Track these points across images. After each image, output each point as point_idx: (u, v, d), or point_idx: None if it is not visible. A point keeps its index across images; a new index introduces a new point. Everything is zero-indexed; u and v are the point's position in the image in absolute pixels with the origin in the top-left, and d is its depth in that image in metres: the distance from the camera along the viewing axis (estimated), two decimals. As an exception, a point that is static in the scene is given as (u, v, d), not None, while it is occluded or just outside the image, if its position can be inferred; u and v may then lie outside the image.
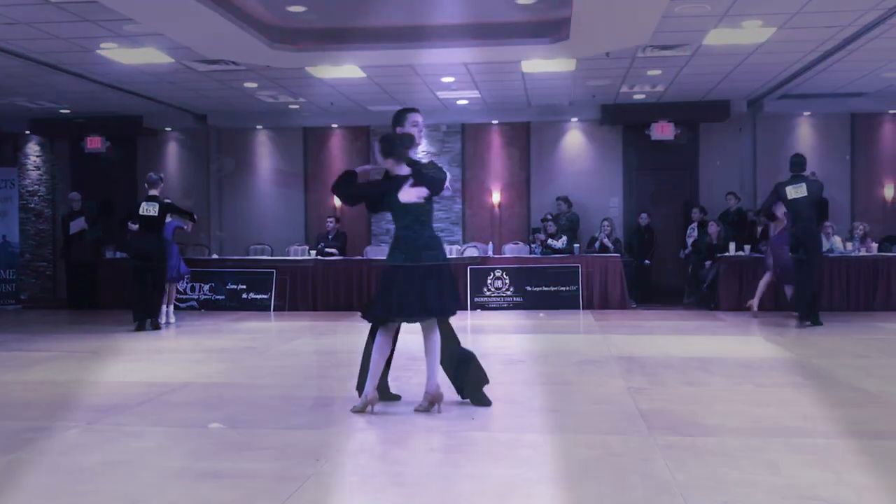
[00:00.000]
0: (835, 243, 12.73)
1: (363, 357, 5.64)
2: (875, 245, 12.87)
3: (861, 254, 12.68)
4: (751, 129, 15.24)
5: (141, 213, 10.50)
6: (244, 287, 13.28)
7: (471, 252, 13.72)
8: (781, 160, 15.09)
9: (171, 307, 11.44)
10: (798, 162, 10.18)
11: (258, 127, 16.24)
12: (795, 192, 9.98)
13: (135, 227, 10.72)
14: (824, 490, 3.71)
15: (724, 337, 9.48)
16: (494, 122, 15.67)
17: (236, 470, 4.17)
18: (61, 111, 15.11)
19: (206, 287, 13.27)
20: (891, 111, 14.94)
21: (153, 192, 10.63)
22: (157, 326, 10.58)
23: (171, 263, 11.10)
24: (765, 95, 14.10)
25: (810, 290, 10.07)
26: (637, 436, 4.77)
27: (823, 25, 9.75)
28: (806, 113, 15.08)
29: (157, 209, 10.52)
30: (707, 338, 9.43)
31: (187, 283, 13.16)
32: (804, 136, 15.30)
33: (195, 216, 11.35)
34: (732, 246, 12.69)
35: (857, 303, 12.33)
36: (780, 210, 10.73)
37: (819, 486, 3.78)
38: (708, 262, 13.04)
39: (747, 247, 12.66)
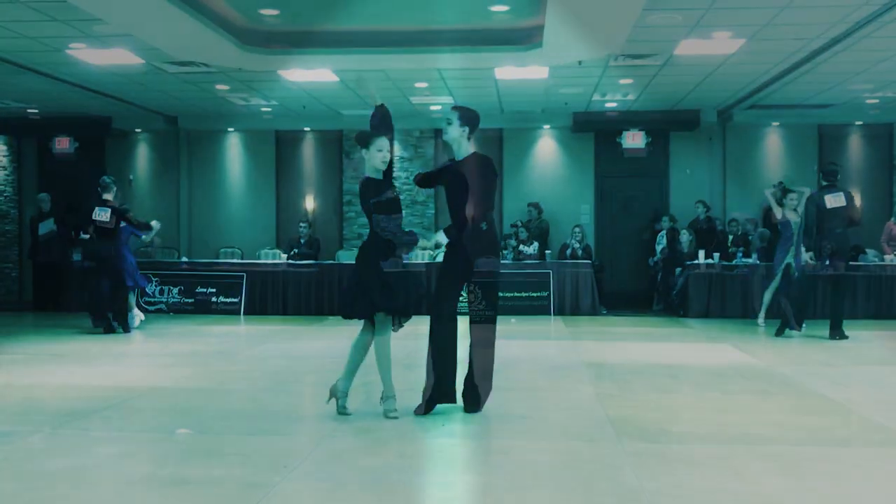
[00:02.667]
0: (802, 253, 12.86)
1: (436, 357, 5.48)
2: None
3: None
4: (720, 138, 15.41)
5: (93, 217, 10.33)
6: (214, 291, 13.17)
7: (442, 257, 13.71)
8: (750, 169, 15.36)
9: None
10: (832, 171, 9.99)
11: (229, 129, 16.14)
12: (835, 201, 9.72)
13: (86, 236, 10.56)
14: (789, 498, 3.76)
15: (692, 344, 9.57)
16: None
17: (203, 476, 4.13)
18: (29, 111, 14.91)
19: (175, 290, 13.14)
20: (857, 122, 15.18)
21: (106, 196, 10.46)
22: (109, 330, 10.30)
23: (126, 269, 10.61)
24: (734, 106, 14.27)
25: (839, 302, 9.89)
26: (605, 443, 4.79)
27: (791, 38, 9.89)
28: (774, 123, 15.27)
29: (108, 214, 10.31)
30: (676, 345, 9.50)
31: (157, 286, 13.03)
32: (772, 146, 15.50)
33: (151, 224, 11.07)
34: (702, 254, 12.81)
35: (823, 311, 12.46)
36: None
37: (784, 493, 3.82)
38: (677, 270, 13.15)
39: (716, 255, 12.78)
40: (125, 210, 10.75)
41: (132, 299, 10.92)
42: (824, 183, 9.90)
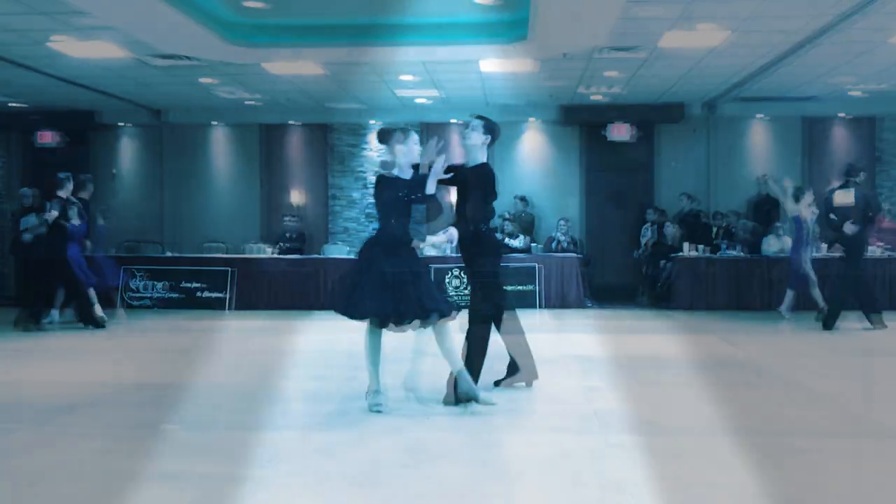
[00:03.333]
0: (786, 244, 12.95)
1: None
2: (825, 246, 13.11)
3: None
4: (705, 130, 15.45)
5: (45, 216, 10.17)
6: (200, 285, 13.12)
7: (430, 251, 13.71)
8: (735, 161, 15.41)
9: (58, 312, 10.78)
10: (848, 169, 10.00)
11: (215, 123, 16.06)
12: (844, 198, 9.79)
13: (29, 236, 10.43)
14: (772, 488, 3.78)
15: (678, 336, 9.59)
16: (454, 120, 15.68)
17: (188, 472, 4.12)
18: (11, 104, 14.79)
19: (160, 285, 13.08)
20: (840, 114, 15.25)
21: (61, 193, 10.33)
22: (34, 326, 10.11)
23: (81, 265, 10.39)
24: (719, 98, 14.30)
25: (852, 294, 9.89)
26: (591, 435, 4.82)
27: (775, 30, 9.92)
28: (759, 115, 15.32)
29: (59, 211, 10.14)
30: (661, 337, 9.54)
31: (141, 280, 12.96)
32: (758, 137, 15.55)
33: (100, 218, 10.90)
34: (687, 246, 12.86)
35: (806, 302, 12.54)
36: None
37: (767, 484, 3.84)
38: (663, 262, 13.20)
39: (701, 247, 12.83)
40: (71, 205, 10.44)
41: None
42: (842, 180, 9.91)
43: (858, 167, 10.10)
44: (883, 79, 12.84)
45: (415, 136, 5.62)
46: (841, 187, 9.79)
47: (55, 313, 10.59)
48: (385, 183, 5.53)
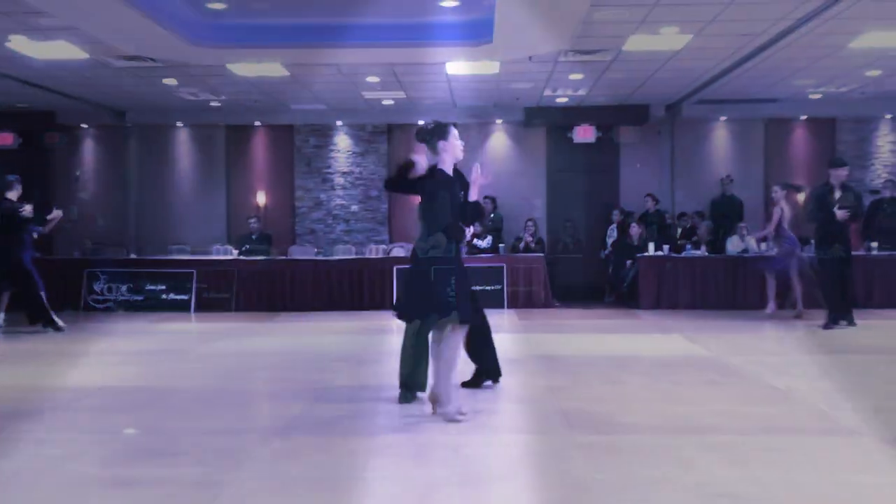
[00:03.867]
0: (749, 244, 13.11)
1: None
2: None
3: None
4: (669, 132, 15.59)
5: None
6: (163, 288, 12.96)
7: (397, 252, 13.69)
8: (698, 163, 15.58)
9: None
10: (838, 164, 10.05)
11: (179, 124, 15.90)
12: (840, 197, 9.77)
13: None
14: (734, 487, 3.81)
15: (643, 335, 9.67)
16: (420, 122, 15.63)
17: (151, 477, 4.06)
18: (-30, 106, 14.55)
19: (124, 288, 12.91)
20: (802, 117, 15.47)
21: (10, 194, 10.07)
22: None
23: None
24: (683, 100, 14.45)
25: (844, 291, 9.92)
26: (556, 435, 4.82)
27: (738, 34, 10.04)
28: (722, 118, 15.50)
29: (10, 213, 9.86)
30: (627, 336, 9.60)
31: (105, 283, 12.78)
32: (720, 139, 15.74)
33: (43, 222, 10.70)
34: (651, 246, 12.95)
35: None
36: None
37: (729, 482, 3.87)
38: (628, 262, 13.29)
39: (666, 247, 12.94)
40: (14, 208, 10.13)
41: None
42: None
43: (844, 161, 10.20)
44: (842, 82, 13.07)
45: (455, 131, 5.35)
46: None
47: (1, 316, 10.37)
48: (444, 181, 5.22)
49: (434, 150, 5.29)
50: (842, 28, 9.80)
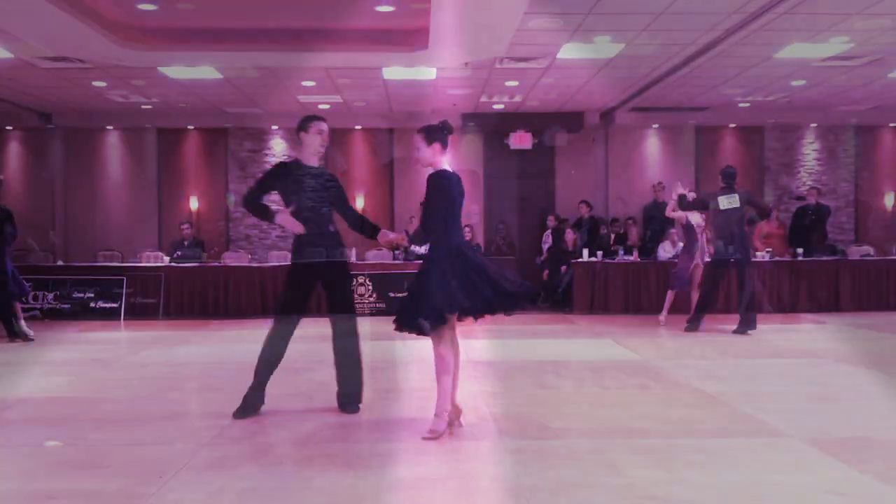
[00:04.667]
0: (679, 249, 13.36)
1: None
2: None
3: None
4: (603, 139, 15.84)
5: None
6: (91, 295, 12.66)
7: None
8: (632, 169, 15.86)
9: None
10: (731, 174, 10.25)
11: (108, 127, 15.57)
12: (728, 202, 10.03)
13: None
14: (660, 489, 3.89)
15: (576, 340, 9.79)
16: (357, 127, 15.65)
17: (73, 490, 3.97)
18: None
19: (51, 296, 12.57)
20: (731, 125, 15.88)
21: None
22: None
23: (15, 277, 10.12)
24: (616, 108, 14.70)
25: (747, 296, 10.15)
26: (487, 441, 4.86)
27: (668, 43, 10.26)
28: (654, 125, 15.82)
29: None
30: (561, 341, 9.70)
31: (30, 290, 12.41)
32: (653, 146, 16.05)
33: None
34: (586, 252, 13.13)
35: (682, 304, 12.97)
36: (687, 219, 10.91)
37: (656, 485, 3.96)
38: (563, 268, 13.45)
39: (600, 253, 13.13)
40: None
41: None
42: (722, 185, 10.23)
43: (733, 171, 10.46)
44: (769, 91, 13.45)
45: (319, 126, 5.59)
46: (724, 192, 10.11)
47: None
48: (455, 181, 5.15)
49: (439, 150, 5.18)
50: (767, 40, 10.10)
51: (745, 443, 4.80)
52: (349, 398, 5.66)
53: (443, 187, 5.02)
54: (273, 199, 5.76)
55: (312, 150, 5.67)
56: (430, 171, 5.14)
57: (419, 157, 5.18)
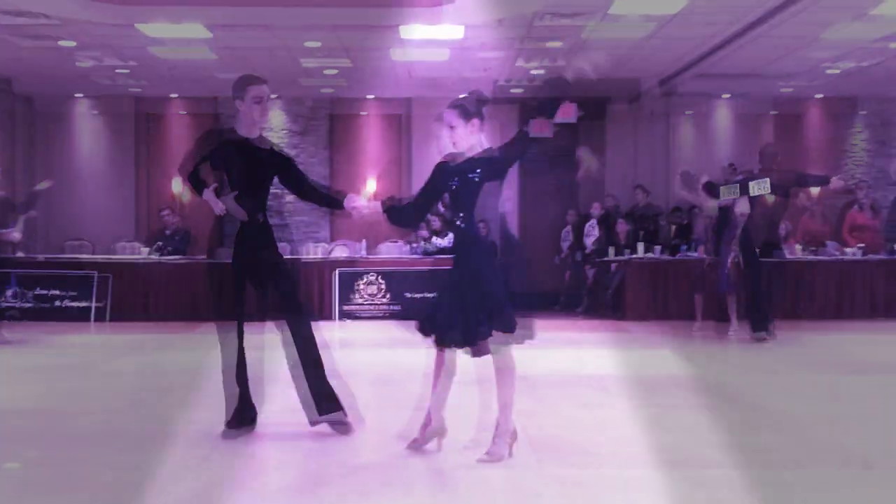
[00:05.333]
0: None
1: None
2: (798, 247, 13.49)
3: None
4: (663, 112, 15.73)
5: None
6: (59, 292, 12.79)
7: (339, 252, 13.67)
8: (697, 147, 15.75)
9: None
10: (770, 153, 10.38)
11: (78, 95, 15.70)
12: (759, 188, 9.98)
13: None
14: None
15: (627, 351, 9.74)
16: (369, 96, 15.69)
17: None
18: None
19: (9, 293, 12.70)
20: (817, 95, 15.71)
21: None
22: None
23: None
24: (679, 74, 14.59)
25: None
26: (523, 468, 4.84)
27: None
28: (725, 95, 15.69)
29: None
30: (608, 352, 9.64)
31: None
32: (722, 120, 15.94)
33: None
34: (641, 247, 13.06)
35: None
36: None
37: (724, 523, 3.93)
38: (613, 266, 13.42)
39: (658, 248, 13.07)
40: None
41: None
42: (760, 167, 10.19)
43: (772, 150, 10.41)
44: (864, 55, 13.26)
45: (256, 90, 5.58)
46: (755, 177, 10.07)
47: None
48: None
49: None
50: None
51: (835, 476, 4.74)
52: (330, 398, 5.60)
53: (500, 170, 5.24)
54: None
55: (249, 121, 5.58)
56: (471, 152, 5.14)
57: (455, 138, 5.16)
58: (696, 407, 6.58)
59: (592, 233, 14.42)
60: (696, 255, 12.99)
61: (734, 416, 6.26)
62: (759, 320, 10.11)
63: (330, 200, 5.85)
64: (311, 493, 4.46)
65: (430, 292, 12.98)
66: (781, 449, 5.33)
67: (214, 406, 6.12)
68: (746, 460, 5.05)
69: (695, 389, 7.26)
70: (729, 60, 13.37)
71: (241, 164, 5.57)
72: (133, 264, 13.11)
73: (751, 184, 9.81)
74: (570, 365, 8.70)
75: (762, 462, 5.02)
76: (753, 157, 15.37)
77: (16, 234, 10.42)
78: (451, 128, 5.16)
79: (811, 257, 13.26)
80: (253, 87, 5.59)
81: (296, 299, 5.83)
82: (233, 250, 5.72)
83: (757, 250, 10.57)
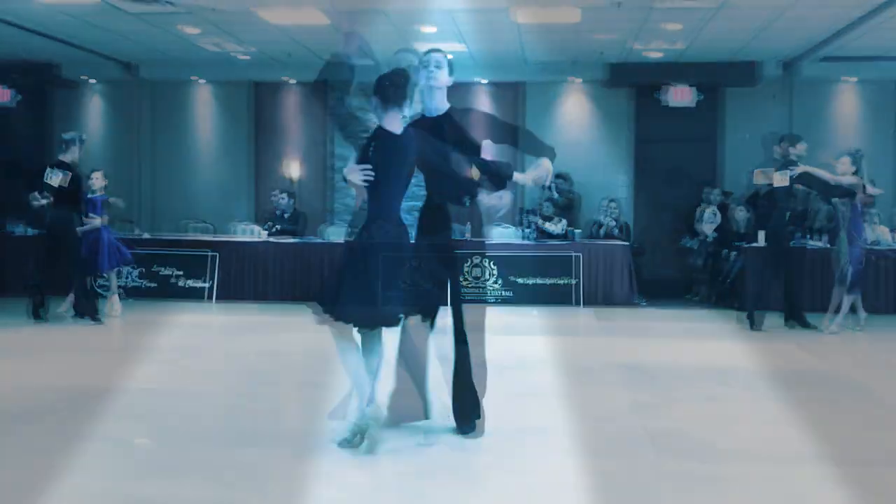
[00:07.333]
0: (880, 234, 12.84)
1: None
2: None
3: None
4: (786, 96, 15.33)
5: (45, 180, 10.24)
6: (180, 273, 13.21)
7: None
8: (820, 133, 15.26)
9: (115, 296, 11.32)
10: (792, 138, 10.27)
11: (198, 80, 16.12)
12: (781, 179, 10.14)
13: (41, 200, 10.42)
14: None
15: (748, 343, 9.53)
16: (483, 80, 15.66)
17: (164, 496, 4.16)
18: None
19: (135, 273, 13.16)
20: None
21: (63, 157, 10.38)
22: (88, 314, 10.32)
23: (102, 249, 10.79)
24: (802, 57, 14.20)
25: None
26: (641, 461, 4.82)
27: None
28: (851, 79, 15.19)
29: (63, 179, 10.15)
30: (728, 344, 9.48)
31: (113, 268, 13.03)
32: (847, 105, 15.43)
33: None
34: (762, 235, 12.74)
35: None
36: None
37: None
38: (726, 252, 13.17)
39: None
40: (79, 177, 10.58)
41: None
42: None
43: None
44: None
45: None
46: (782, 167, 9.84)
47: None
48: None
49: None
50: None
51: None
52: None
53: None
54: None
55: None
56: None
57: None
58: (818, 400, 6.43)
59: (712, 219, 14.13)
60: (819, 244, 12.67)
61: (858, 410, 6.10)
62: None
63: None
64: (424, 474, 4.51)
65: (538, 278, 12.94)
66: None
67: (333, 388, 6.23)
68: (868, 458, 4.93)
69: (817, 383, 7.10)
70: (857, 43, 12.93)
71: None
72: (247, 245, 13.39)
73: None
74: (690, 356, 8.58)
75: (888, 460, 4.89)
76: (880, 141, 14.97)
77: (97, 221, 10.81)
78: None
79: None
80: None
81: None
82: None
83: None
